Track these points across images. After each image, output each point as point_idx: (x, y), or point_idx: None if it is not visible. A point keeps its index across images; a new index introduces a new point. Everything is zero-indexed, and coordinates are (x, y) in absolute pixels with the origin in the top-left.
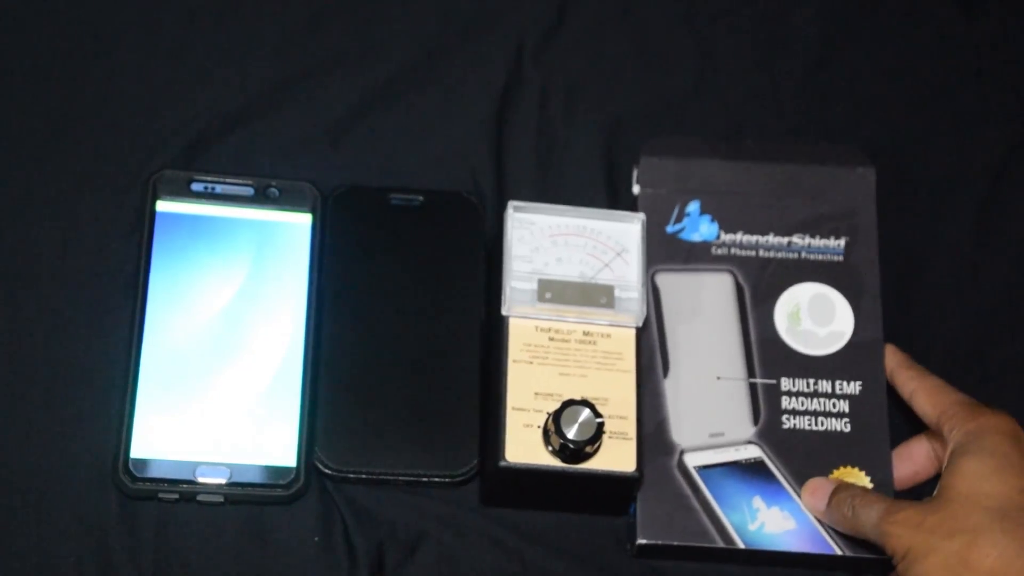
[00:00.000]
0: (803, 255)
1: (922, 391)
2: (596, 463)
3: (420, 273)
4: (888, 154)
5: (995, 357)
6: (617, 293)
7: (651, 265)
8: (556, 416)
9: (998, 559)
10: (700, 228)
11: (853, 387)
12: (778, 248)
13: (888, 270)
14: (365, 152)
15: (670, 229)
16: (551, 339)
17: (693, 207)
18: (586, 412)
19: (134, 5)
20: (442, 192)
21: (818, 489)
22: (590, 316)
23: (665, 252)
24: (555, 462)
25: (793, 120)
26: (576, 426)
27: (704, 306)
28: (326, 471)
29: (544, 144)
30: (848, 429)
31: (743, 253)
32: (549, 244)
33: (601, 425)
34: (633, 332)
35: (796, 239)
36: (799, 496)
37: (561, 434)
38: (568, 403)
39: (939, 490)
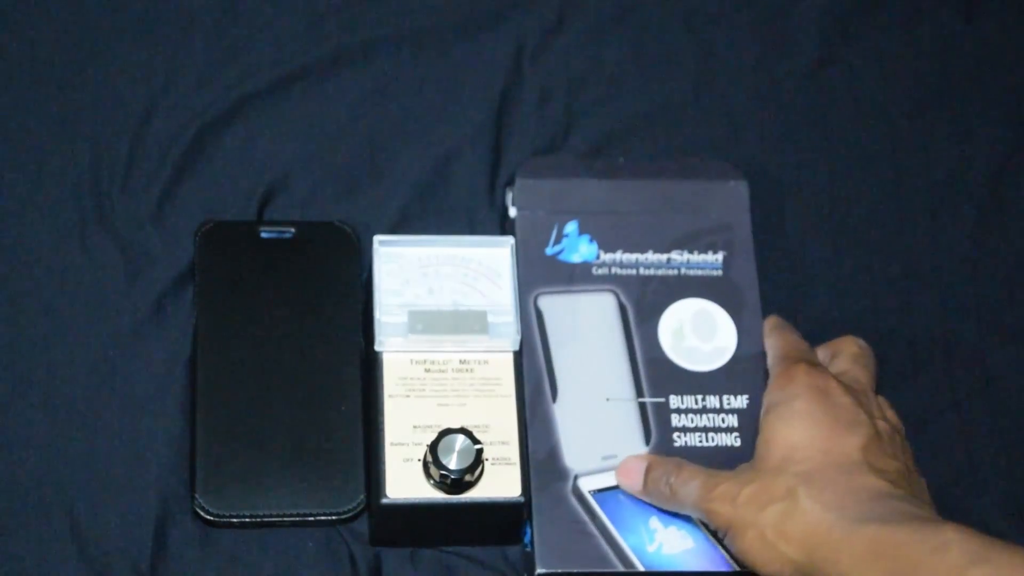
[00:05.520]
0: (683, 271)
1: (770, 350)
2: (480, 491)
3: (295, 307)
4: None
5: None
6: (491, 318)
7: (533, 288)
8: (433, 447)
9: (807, 526)
10: (579, 248)
11: (740, 401)
12: (658, 265)
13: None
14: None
15: (549, 251)
16: (427, 371)
17: (571, 227)
18: (462, 439)
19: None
20: (313, 223)
21: (632, 469)
22: (465, 344)
23: (546, 275)
24: (438, 494)
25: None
26: (454, 455)
27: (588, 327)
28: (207, 517)
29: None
30: (738, 443)
31: (624, 272)
32: (420, 276)
33: (480, 451)
34: (510, 356)
35: (675, 255)
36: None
37: (440, 464)
38: (444, 432)
39: (754, 458)
